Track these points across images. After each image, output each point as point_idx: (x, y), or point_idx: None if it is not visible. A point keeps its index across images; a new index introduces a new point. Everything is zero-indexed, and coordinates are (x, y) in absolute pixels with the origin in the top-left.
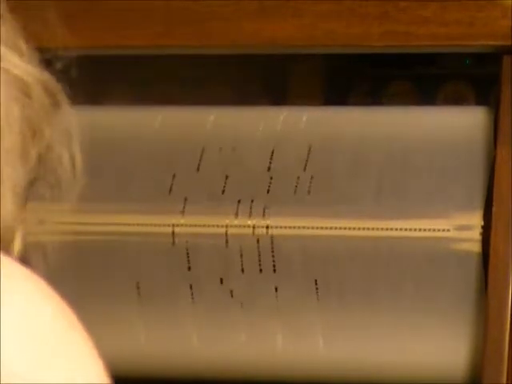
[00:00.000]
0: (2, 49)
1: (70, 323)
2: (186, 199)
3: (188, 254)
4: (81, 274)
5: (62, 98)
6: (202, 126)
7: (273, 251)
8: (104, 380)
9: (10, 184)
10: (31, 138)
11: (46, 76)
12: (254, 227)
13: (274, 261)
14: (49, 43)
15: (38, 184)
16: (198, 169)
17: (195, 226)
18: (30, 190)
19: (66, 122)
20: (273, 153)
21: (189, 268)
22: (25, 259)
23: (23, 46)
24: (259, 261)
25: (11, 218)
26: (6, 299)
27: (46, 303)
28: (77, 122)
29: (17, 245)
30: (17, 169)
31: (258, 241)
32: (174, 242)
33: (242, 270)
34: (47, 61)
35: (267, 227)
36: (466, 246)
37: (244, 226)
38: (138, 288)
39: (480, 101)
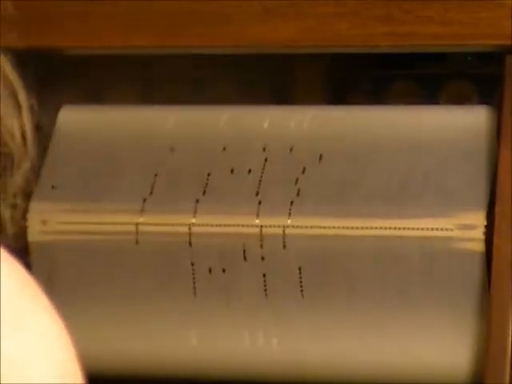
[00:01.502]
0: None
1: (32, 294)
2: (197, 201)
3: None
4: (85, 274)
5: (9, 70)
6: (213, 126)
7: (274, 251)
8: (65, 349)
9: None
10: None
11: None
12: (262, 227)
13: (276, 261)
14: (52, 43)
15: None
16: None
17: (207, 225)
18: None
19: (15, 95)
20: (264, 150)
21: (192, 264)
22: (26, 259)
23: None
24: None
25: None
26: None
27: (8, 273)
28: (27, 98)
29: None
30: None
31: (262, 240)
32: (190, 243)
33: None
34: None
35: (271, 226)
36: (469, 246)
37: (253, 226)
38: (140, 287)
39: (483, 100)
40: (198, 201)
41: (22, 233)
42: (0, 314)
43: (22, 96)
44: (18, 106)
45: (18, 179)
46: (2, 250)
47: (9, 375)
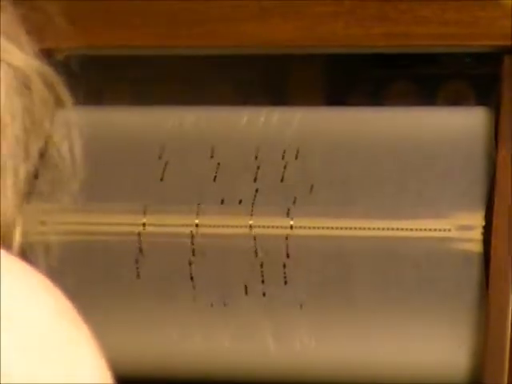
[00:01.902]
0: (3, 40)
1: (72, 321)
2: (199, 204)
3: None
4: (83, 275)
5: (63, 91)
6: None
7: (277, 251)
8: (106, 380)
9: (11, 178)
10: (32, 132)
11: (46, 69)
12: (273, 227)
13: (279, 261)
14: (52, 43)
15: (38, 179)
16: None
17: (210, 226)
18: (31, 187)
19: (66, 116)
20: (258, 150)
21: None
22: (26, 259)
23: (24, 38)
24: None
25: (11, 214)
26: (6, 294)
27: (48, 300)
28: (77, 117)
29: (16, 241)
30: (18, 163)
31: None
32: (193, 244)
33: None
34: (50, 56)
35: (274, 227)
36: (467, 246)
37: (260, 227)
38: (141, 287)
39: (481, 101)
40: (199, 203)
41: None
42: (37, 342)
43: (73, 114)
44: (67, 123)
45: (65, 200)
46: (40, 276)
47: None
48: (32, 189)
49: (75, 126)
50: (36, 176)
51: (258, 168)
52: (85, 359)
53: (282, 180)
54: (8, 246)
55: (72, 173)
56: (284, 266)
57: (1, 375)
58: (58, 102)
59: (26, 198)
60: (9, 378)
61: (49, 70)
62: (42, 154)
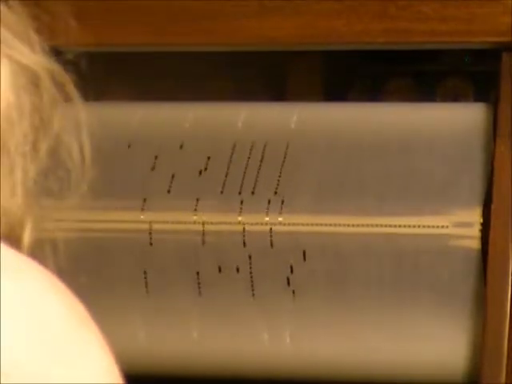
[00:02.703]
0: (12, 38)
1: (81, 319)
2: (198, 199)
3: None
4: (89, 271)
5: (71, 89)
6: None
7: (276, 248)
8: (115, 378)
9: (20, 176)
10: (41, 129)
11: (55, 67)
12: (266, 224)
13: (277, 257)
14: (53, 41)
15: (47, 177)
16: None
17: (207, 223)
18: (40, 183)
19: (75, 114)
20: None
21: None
22: (36, 257)
23: (33, 36)
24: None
25: (21, 212)
26: (18, 291)
27: (57, 298)
28: (87, 115)
29: (26, 239)
30: (27, 161)
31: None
32: (196, 240)
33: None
34: (57, 54)
35: (272, 224)
36: (465, 243)
37: (258, 224)
38: (146, 285)
39: (479, 97)
40: (198, 199)
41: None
42: (49, 342)
43: (82, 113)
44: (78, 125)
45: (74, 200)
46: (50, 275)
47: None
48: (41, 187)
49: (84, 124)
50: (45, 175)
51: (249, 164)
52: (95, 358)
53: (279, 175)
54: (18, 245)
55: (81, 172)
56: (274, 264)
57: (13, 373)
58: (67, 100)
59: (36, 197)
60: (21, 376)
61: (58, 69)
62: (52, 153)
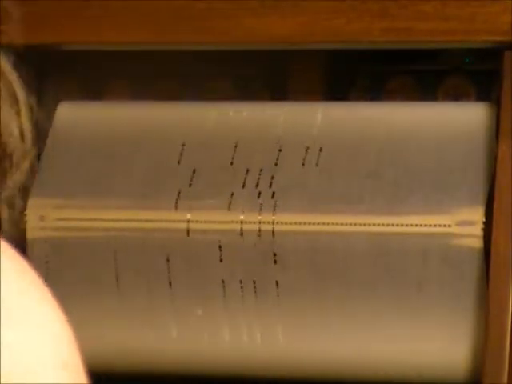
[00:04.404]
0: None
1: (38, 295)
2: (195, 197)
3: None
4: (83, 271)
5: (8, 69)
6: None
7: (275, 247)
8: (70, 348)
9: None
10: None
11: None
12: (260, 223)
13: (275, 256)
14: (53, 38)
15: None
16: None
17: (203, 222)
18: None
19: (13, 93)
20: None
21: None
22: (25, 254)
23: None
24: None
25: None
26: None
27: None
28: (25, 95)
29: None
30: None
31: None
32: (188, 238)
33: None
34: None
35: (273, 223)
36: (467, 242)
37: (253, 223)
38: (148, 284)
39: (481, 96)
40: (193, 197)
41: (21, 229)
42: (2, 313)
43: (21, 94)
44: (17, 105)
45: (17, 178)
46: (7, 247)
47: (10, 365)
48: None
49: (24, 103)
50: None
51: (250, 165)
52: (47, 320)
53: (272, 177)
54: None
55: (23, 151)
56: (275, 262)
57: None
58: (5, 80)
59: (25, 195)
60: None
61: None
62: None
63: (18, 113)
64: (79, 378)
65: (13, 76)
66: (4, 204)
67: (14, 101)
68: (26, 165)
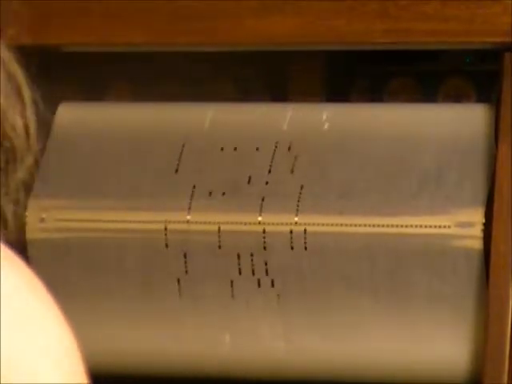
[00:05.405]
0: None
1: (35, 294)
2: (192, 195)
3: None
4: (84, 271)
5: (14, 66)
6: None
7: (275, 247)
8: (67, 348)
9: None
10: None
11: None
12: (264, 224)
13: (277, 258)
14: (54, 40)
15: None
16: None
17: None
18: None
19: (19, 90)
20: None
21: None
22: (25, 256)
23: None
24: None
25: None
26: None
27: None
28: (30, 90)
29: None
30: None
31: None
32: (186, 240)
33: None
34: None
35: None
36: (467, 243)
37: (253, 223)
38: (149, 284)
39: (481, 98)
40: (192, 197)
41: (21, 229)
42: (1, 312)
43: (26, 91)
44: (22, 101)
45: (20, 174)
46: (3, 248)
47: (10, 373)
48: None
49: (28, 99)
50: None
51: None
52: (48, 328)
53: (271, 175)
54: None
55: (27, 147)
56: (284, 263)
57: None
58: (10, 77)
59: (27, 194)
60: None
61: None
62: None
63: (22, 109)
64: (79, 379)
65: (18, 72)
66: (8, 202)
67: (19, 97)
68: (29, 161)
